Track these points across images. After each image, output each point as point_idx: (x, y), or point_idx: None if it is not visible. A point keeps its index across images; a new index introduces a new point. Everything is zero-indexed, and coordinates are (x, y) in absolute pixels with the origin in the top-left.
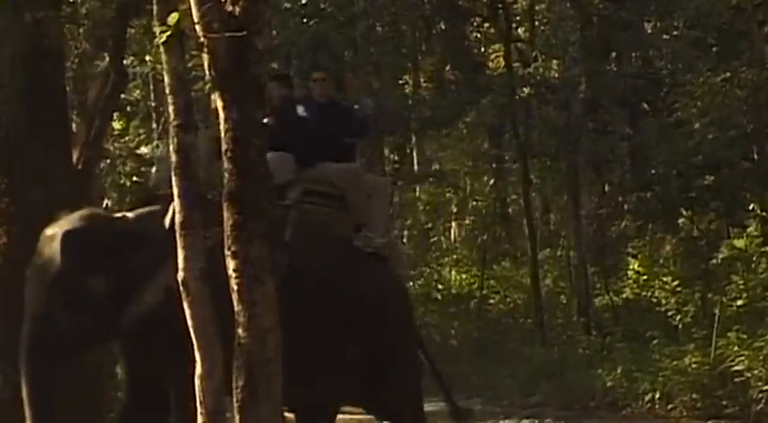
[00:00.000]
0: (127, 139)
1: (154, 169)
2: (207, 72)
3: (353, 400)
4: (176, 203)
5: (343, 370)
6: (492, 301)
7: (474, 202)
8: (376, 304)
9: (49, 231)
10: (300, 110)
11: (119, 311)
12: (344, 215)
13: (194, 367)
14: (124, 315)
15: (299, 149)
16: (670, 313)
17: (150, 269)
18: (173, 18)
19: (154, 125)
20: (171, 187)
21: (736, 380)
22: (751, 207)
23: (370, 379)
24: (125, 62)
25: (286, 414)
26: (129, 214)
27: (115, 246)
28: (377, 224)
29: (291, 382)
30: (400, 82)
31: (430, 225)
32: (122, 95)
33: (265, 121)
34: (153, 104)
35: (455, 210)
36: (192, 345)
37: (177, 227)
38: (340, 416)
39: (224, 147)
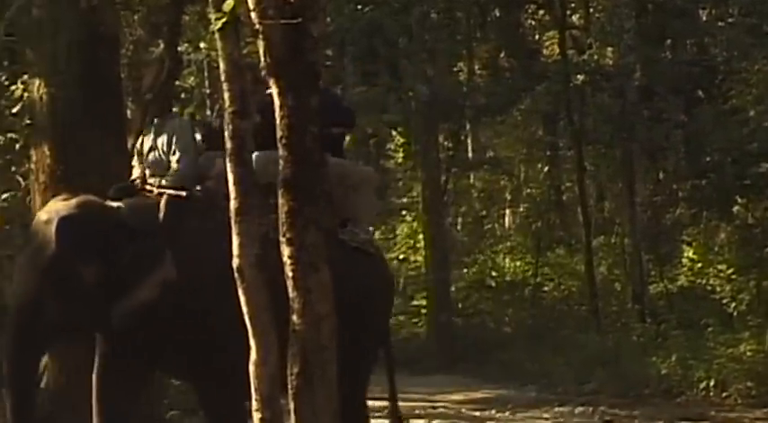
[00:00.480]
0: None
1: (135, 161)
2: (262, 59)
3: None
4: (232, 190)
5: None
6: (546, 288)
7: (528, 190)
8: (359, 301)
9: (43, 216)
10: None
11: (108, 303)
12: (330, 209)
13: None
14: (115, 308)
15: None
16: (725, 301)
17: (145, 263)
18: (228, 5)
19: (208, 112)
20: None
21: None
22: None
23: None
24: (180, 49)
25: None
26: (122, 205)
27: (110, 236)
28: (363, 219)
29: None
30: (455, 69)
31: (484, 212)
32: (177, 82)
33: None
34: (207, 91)
35: (509, 197)
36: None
37: (233, 213)
38: None
39: (279, 134)
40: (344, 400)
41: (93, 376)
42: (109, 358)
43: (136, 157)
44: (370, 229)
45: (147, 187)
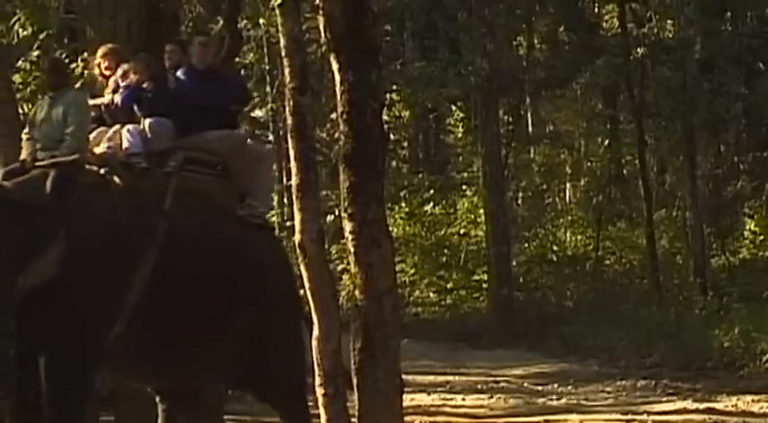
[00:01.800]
0: None
1: (25, 135)
2: (322, 34)
3: (234, 381)
4: (293, 166)
5: (223, 348)
6: (607, 262)
7: (589, 164)
8: (257, 277)
9: None
10: (180, 75)
11: (10, 285)
12: (227, 184)
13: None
14: (16, 288)
15: (179, 116)
16: None
17: (40, 241)
18: None
19: (268, 88)
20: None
21: None
22: None
23: (252, 358)
24: (239, 25)
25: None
26: (7, 184)
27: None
28: (261, 193)
29: (165, 358)
30: (514, 43)
31: (544, 186)
32: (237, 59)
33: (144, 86)
34: (267, 67)
35: (570, 171)
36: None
37: (294, 189)
38: None
39: (339, 109)
40: (283, 390)
41: None
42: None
43: (27, 128)
44: (268, 205)
45: (37, 164)
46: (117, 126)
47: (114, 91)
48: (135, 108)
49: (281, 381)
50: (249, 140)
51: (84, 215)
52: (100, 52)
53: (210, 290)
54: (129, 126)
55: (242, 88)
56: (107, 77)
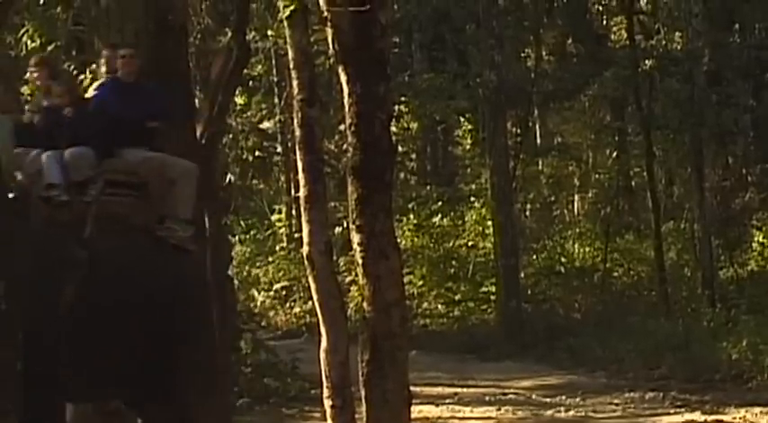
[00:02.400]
0: (249, 113)
1: None
2: (330, 46)
3: (132, 400)
4: (302, 177)
5: (130, 370)
6: (615, 274)
7: (597, 175)
8: (172, 300)
9: None
10: (104, 88)
11: None
12: (147, 205)
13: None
14: None
15: (100, 137)
16: None
17: None
18: None
19: (276, 100)
20: None
21: None
22: None
23: (153, 381)
24: (247, 37)
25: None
26: None
27: None
28: (181, 214)
29: (84, 378)
30: (522, 55)
31: (552, 198)
32: (245, 71)
33: (66, 111)
34: (275, 79)
35: (578, 183)
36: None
37: (302, 201)
38: None
39: (347, 121)
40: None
41: None
42: None
43: None
44: (190, 225)
45: None
46: (36, 151)
47: (37, 110)
48: (54, 133)
49: (182, 402)
50: (168, 159)
51: (7, 244)
52: (32, 62)
53: (125, 313)
54: (50, 153)
55: (166, 104)
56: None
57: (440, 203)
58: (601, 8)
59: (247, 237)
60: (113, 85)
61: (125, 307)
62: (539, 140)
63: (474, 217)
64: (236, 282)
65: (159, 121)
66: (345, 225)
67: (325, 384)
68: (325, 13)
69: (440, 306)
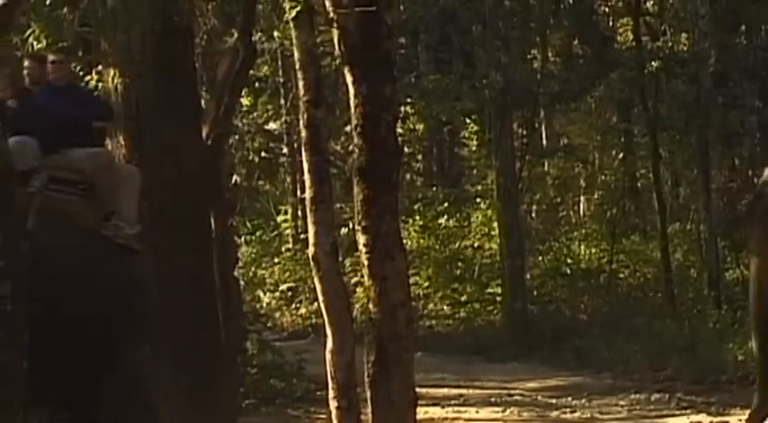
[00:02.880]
0: (255, 115)
1: None
2: (336, 47)
3: (65, 403)
4: (307, 179)
5: (71, 370)
6: (621, 275)
7: (603, 177)
8: (116, 301)
9: None
10: (42, 92)
11: None
12: (92, 203)
13: None
14: None
15: (44, 134)
16: None
17: None
18: None
19: (282, 101)
20: None
21: None
22: None
23: (86, 384)
24: (253, 38)
25: None
26: None
27: None
28: (127, 213)
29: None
30: (528, 56)
31: (558, 200)
32: (251, 72)
33: (8, 103)
34: (281, 80)
35: (584, 184)
36: None
37: (308, 202)
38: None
39: (354, 122)
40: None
41: None
42: None
43: None
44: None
45: None
46: None
47: None
48: None
49: (120, 405)
50: (115, 159)
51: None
52: None
53: (68, 312)
54: None
55: (104, 105)
56: None
57: (446, 205)
58: (607, 9)
59: (253, 238)
60: (51, 89)
61: (68, 308)
62: (545, 142)
63: (480, 218)
64: (241, 283)
65: (100, 121)
66: (351, 226)
67: (330, 385)
68: (332, 14)
69: (445, 307)
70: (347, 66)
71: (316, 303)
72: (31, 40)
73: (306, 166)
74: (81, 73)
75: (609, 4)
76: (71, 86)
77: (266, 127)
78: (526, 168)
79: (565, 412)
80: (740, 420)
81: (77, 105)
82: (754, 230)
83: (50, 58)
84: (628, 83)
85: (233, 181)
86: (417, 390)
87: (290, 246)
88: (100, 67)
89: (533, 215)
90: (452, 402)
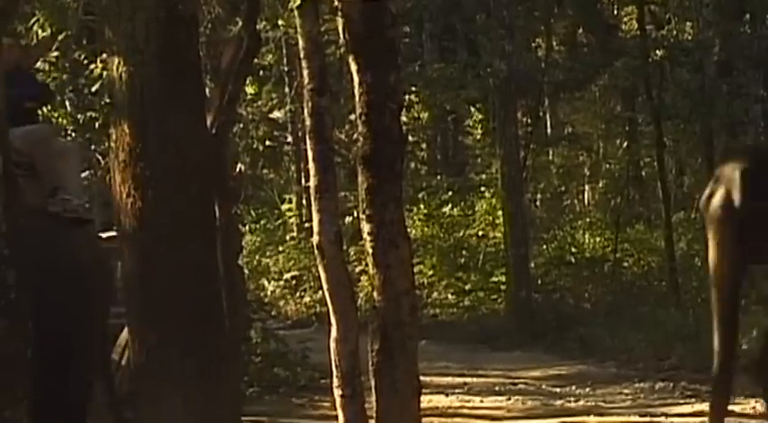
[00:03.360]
0: (260, 103)
1: None
2: (341, 36)
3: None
4: (312, 167)
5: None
6: (626, 264)
7: (607, 165)
8: (69, 278)
9: None
10: None
11: None
12: (35, 182)
13: None
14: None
15: None
16: None
17: None
18: None
19: (286, 89)
20: None
21: None
22: None
23: (49, 370)
24: (258, 27)
25: None
26: None
27: None
28: (72, 185)
29: None
30: (533, 45)
31: (563, 188)
32: (255, 60)
33: None
34: (285, 69)
35: (588, 173)
36: None
37: (312, 190)
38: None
39: (358, 110)
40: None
41: None
42: None
43: None
44: (83, 195)
45: None
46: None
47: None
48: None
49: (66, 388)
50: (51, 135)
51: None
52: None
53: (19, 293)
54: None
55: (41, 87)
56: None
57: (450, 193)
58: None
59: (257, 226)
60: None
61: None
62: (549, 130)
63: (484, 207)
64: (246, 271)
65: (38, 100)
66: (356, 214)
67: (334, 374)
68: (336, 3)
69: (450, 296)
70: (351, 54)
71: (320, 292)
72: (35, 28)
73: (310, 154)
74: (85, 61)
75: None
76: (15, 68)
77: (271, 115)
78: (530, 157)
79: (569, 401)
80: (744, 409)
81: (12, 85)
82: (708, 228)
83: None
84: (632, 71)
85: (237, 169)
86: (421, 378)
87: (295, 234)
88: (104, 56)
89: (537, 204)
90: (456, 391)
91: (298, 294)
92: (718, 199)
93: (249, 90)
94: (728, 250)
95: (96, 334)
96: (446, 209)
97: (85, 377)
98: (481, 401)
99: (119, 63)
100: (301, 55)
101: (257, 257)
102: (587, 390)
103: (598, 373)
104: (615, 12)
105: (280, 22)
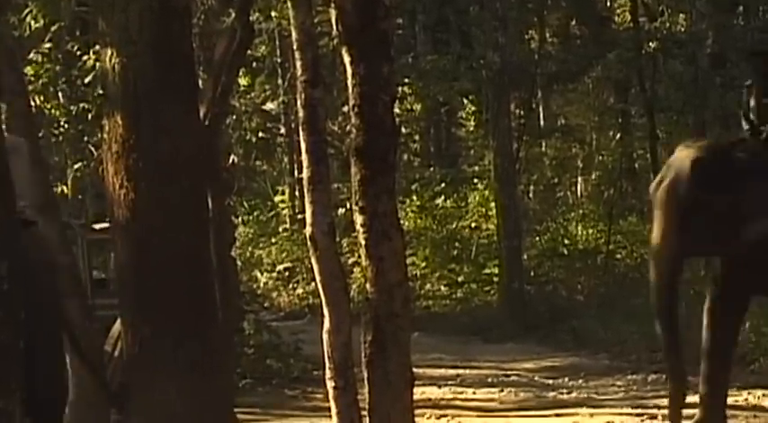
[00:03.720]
0: (253, 94)
1: None
2: (334, 27)
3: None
4: (305, 158)
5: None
6: (618, 255)
7: (600, 157)
8: (21, 279)
9: None
10: None
11: None
12: None
13: None
14: None
15: None
16: None
17: None
18: None
19: (279, 81)
20: None
21: None
22: None
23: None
24: (251, 18)
25: None
26: None
27: None
28: (20, 186)
29: None
30: (526, 37)
31: (556, 180)
32: (248, 51)
33: None
34: (278, 60)
35: (581, 165)
36: None
37: (305, 182)
38: None
39: (351, 102)
40: None
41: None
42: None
43: None
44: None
45: None
46: None
47: None
48: None
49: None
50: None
51: None
52: None
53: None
54: None
55: None
56: None
57: (443, 185)
58: None
59: (250, 218)
60: None
61: None
62: (542, 122)
63: (477, 199)
64: (239, 263)
65: None
66: (348, 206)
67: (327, 365)
68: None
69: (442, 287)
70: (345, 46)
71: (313, 283)
72: (28, 19)
73: (303, 145)
74: (78, 52)
75: None
76: None
77: (264, 107)
78: (523, 149)
79: (561, 393)
80: (736, 400)
81: None
82: (653, 214)
83: None
84: (625, 63)
85: (230, 161)
86: (414, 370)
87: (288, 226)
88: (97, 47)
89: (530, 196)
90: (449, 382)
91: (290, 286)
92: (665, 186)
93: (242, 81)
94: (670, 238)
95: (49, 335)
96: (439, 201)
97: (50, 372)
98: (474, 393)
99: (112, 54)
100: (294, 46)
101: (250, 249)
102: (580, 381)
103: (591, 364)
104: (608, 4)
105: (273, 14)
